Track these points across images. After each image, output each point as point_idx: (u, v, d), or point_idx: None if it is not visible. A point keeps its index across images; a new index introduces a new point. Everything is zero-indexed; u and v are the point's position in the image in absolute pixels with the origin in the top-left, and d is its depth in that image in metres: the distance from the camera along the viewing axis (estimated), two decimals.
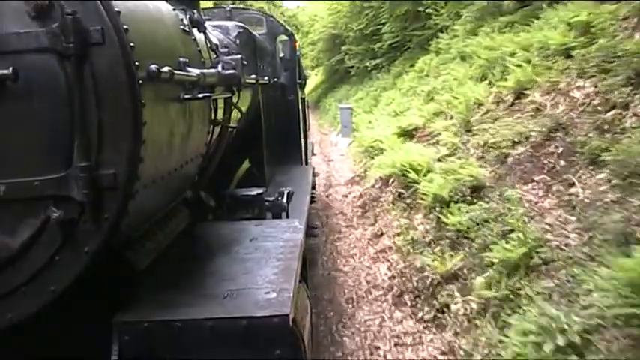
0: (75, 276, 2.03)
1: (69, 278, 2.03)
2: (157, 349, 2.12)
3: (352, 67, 22.90)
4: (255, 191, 3.95)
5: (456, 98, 7.90)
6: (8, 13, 1.93)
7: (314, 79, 38.55)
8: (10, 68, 1.86)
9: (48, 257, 2.02)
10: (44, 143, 1.97)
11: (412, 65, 14.65)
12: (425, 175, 6.53)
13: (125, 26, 2.00)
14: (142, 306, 2.24)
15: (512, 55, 7.22)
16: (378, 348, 4.53)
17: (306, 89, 11.44)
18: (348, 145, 15.08)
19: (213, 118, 3.21)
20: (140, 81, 2.02)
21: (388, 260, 6.21)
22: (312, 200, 7.38)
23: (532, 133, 5.32)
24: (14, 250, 2.01)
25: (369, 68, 19.87)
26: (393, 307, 5.16)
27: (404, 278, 5.51)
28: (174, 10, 2.91)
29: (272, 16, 7.83)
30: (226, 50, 3.73)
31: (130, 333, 2.11)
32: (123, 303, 2.24)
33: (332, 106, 23.73)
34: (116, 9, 1.99)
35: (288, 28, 7.90)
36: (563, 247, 3.88)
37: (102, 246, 2.04)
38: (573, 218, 4.05)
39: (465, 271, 4.72)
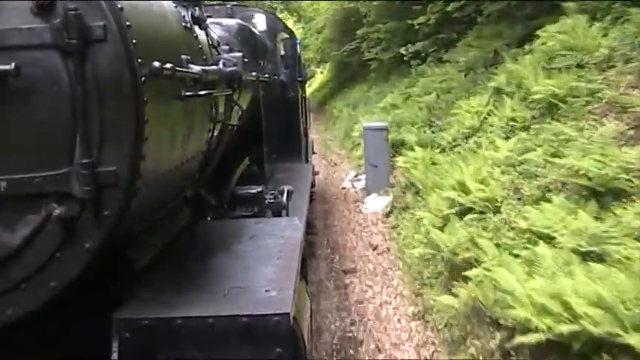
0: (76, 273, 2.02)
1: (70, 275, 2.02)
2: (157, 346, 2.12)
3: (372, 59, 15.69)
4: (255, 189, 3.95)
5: None
6: (10, 8, 1.92)
7: (319, 77, 32.52)
8: (13, 64, 1.84)
9: (49, 254, 2.01)
10: (46, 139, 1.96)
11: (522, 44, 7.56)
12: None
13: (128, 22, 1.99)
14: (142, 303, 2.23)
15: None
16: None
17: (310, 89, 11.21)
18: (384, 215, 7.57)
19: (214, 115, 3.21)
20: (142, 78, 2.01)
21: None
22: (312, 198, 7.38)
23: None
24: (15, 247, 2.00)
25: (406, 56, 12.20)
26: None
27: None
28: (176, 7, 2.90)
29: (273, 14, 7.82)
30: (227, 48, 3.72)
31: (130, 330, 2.11)
32: (123, 300, 2.23)
33: (343, 113, 17.33)
34: (119, 5, 1.99)
35: (288, 24, 7.88)
36: None
37: (103, 243, 2.04)
38: None
39: None
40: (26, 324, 2.07)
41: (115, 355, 2.08)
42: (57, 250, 2.02)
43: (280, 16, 17.34)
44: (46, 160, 1.97)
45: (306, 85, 9.21)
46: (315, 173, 8.34)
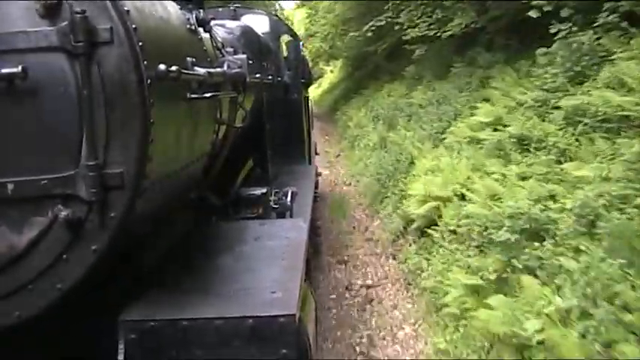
0: (82, 275, 2.03)
1: (76, 277, 2.03)
2: (163, 348, 2.12)
3: (414, 42, 9.73)
4: (259, 190, 3.96)
5: None
6: (17, 11, 1.93)
7: (328, 77, 27.40)
8: (20, 67, 1.86)
9: (55, 255, 2.02)
10: (52, 142, 1.97)
11: None
12: None
13: (134, 25, 2.00)
14: (148, 305, 2.24)
15: None
16: None
17: (318, 90, 9.20)
18: None
19: (218, 117, 3.22)
20: (148, 80, 2.02)
21: None
22: (315, 199, 7.38)
23: None
24: (22, 248, 2.01)
25: (537, 9, 6.00)
26: None
27: None
28: (181, 9, 2.92)
29: (276, 15, 7.84)
30: (232, 50, 3.73)
31: (136, 332, 2.12)
32: (128, 301, 2.24)
33: (367, 132, 11.22)
34: (125, 8, 2.00)
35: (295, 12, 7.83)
36: None
37: (109, 245, 2.04)
38: None
39: None
40: (31, 324, 2.08)
41: (121, 357, 2.09)
42: (63, 252, 2.03)
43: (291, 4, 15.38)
44: (53, 162, 1.98)
45: (314, 86, 8.91)
46: (317, 174, 8.34)
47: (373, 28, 12.13)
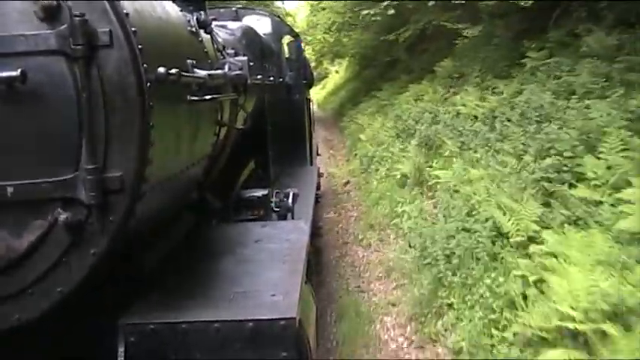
0: (82, 278, 2.03)
1: (76, 280, 2.03)
2: (162, 350, 2.12)
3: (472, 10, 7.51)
4: (260, 192, 3.96)
5: None
6: (16, 14, 1.93)
7: (333, 78, 24.81)
8: (19, 70, 1.85)
9: (55, 259, 2.02)
10: (52, 145, 1.97)
11: None
12: None
13: (133, 28, 2.00)
14: (148, 308, 2.24)
15: None
16: None
17: (322, 92, 8.34)
18: None
19: (219, 119, 3.21)
20: (148, 83, 2.01)
21: None
22: (317, 201, 7.38)
23: None
24: (21, 252, 2.00)
25: None
26: None
27: None
28: (181, 11, 2.91)
29: (278, 16, 7.84)
30: (233, 51, 3.73)
31: (136, 335, 2.12)
32: (128, 304, 2.24)
33: (394, 155, 8.14)
34: (124, 11, 1.99)
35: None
36: None
37: (109, 248, 2.04)
38: None
39: None
40: (31, 327, 2.08)
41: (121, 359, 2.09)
42: (63, 255, 2.02)
43: None
44: (53, 165, 1.98)
45: (318, 87, 8.64)
46: (319, 175, 8.34)
47: (396, 2, 9.11)
